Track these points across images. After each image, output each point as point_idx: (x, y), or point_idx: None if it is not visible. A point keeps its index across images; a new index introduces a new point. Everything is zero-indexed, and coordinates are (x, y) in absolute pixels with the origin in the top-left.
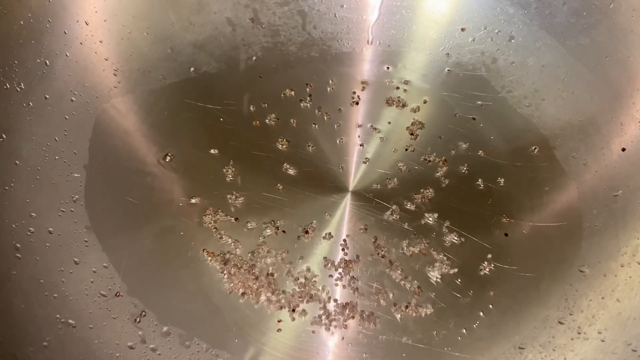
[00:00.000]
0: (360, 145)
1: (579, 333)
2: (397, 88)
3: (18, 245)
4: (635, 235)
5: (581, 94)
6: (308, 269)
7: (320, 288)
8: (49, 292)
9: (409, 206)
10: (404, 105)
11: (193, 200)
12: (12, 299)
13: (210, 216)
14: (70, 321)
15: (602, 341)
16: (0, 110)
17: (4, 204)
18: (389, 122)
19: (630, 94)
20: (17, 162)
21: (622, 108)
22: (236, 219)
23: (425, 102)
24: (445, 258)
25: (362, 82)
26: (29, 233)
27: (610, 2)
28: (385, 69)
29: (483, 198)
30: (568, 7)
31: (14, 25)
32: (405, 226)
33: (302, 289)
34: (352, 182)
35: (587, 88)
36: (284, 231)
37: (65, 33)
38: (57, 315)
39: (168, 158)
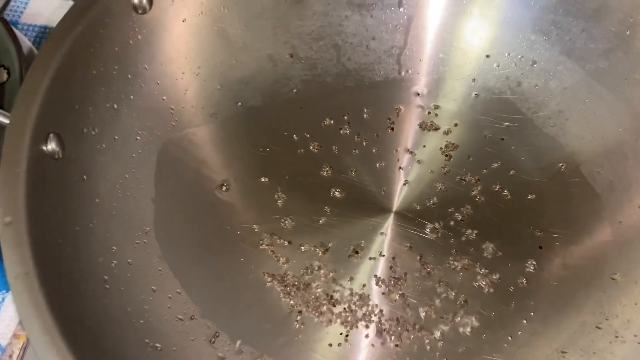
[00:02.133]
0: (399, 168)
1: (616, 337)
2: (429, 113)
3: (105, 277)
4: None
5: (602, 114)
6: (361, 287)
7: (373, 304)
8: (136, 318)
9: (450, 223)
10: (436, 129)
11: (249, 226)
12: (108, 326)
13: (266, 240)
14: (157, 345)
15: (639, 343)
16: (80, 153)
17: (90, 240)
18: (424, 145)
19: None
20: (97, 200)
21: None
22: (289, 242)
23: (456, 125)
24: (486, 271)
25: (396, 109)
26: (112, 265)
27: (626, 29)
28: (416, 95)
29: (517, 214)
30: (587, 34)
31: (88, 76)
32: (448, 243)
33: (356, 306)
34: (395, 203)
35: (608, 108)
36: (327, 250)
37: (129, 77)
38: (146, 340)
39: (224, 188)
